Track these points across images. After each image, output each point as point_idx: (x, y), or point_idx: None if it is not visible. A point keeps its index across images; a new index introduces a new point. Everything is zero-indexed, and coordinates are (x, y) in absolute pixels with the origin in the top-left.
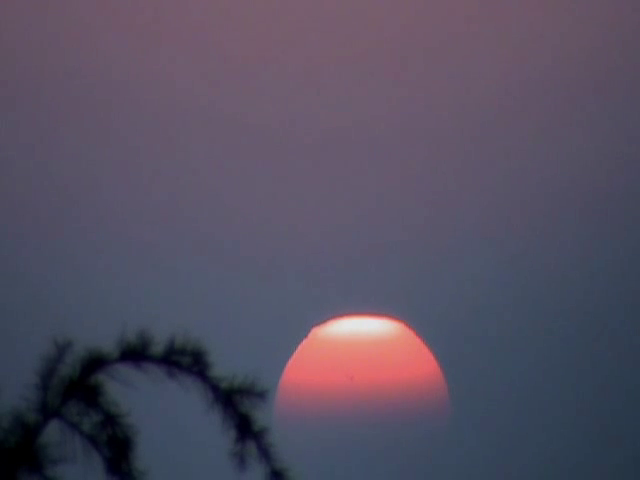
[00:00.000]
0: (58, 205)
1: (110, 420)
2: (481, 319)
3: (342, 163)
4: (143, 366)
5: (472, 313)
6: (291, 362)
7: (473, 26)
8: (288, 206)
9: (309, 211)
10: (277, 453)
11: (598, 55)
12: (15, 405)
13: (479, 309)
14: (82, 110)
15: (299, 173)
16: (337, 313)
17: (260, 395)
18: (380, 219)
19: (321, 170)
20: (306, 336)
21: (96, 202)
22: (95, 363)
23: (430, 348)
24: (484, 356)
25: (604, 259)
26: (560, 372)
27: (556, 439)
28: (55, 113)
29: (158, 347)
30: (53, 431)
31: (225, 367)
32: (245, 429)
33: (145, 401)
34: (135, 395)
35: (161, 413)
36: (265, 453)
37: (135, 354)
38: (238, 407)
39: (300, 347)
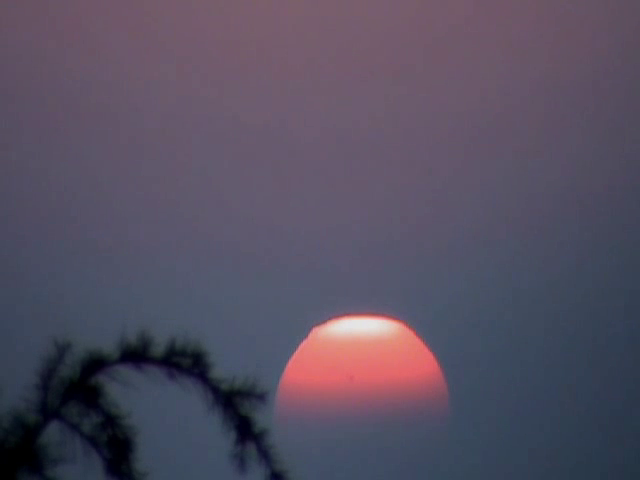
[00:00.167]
0: (58, 205)
1: (110, 421)
2: (481, 319)
3: (342, 163)
4: (143, 367)
5: (472, 313)
6: (291, 362)
7: (474, 27)
8: (288, 206)
9: (309, 211)
10: (277, 455)
11: (598, 56)
12: (15, 406)
13: (479, 309)
14: (82, 110)
15: (299, 173)
16: (337, 313)
17: (260, 397)
18: (380, 219)
19: (321, 170)
20: (306, 336)
21: (96, 202)
22: (95, 364)
23: (430, 348)
24: (484, 356)
25: (604, 259)
26: (560, 372)
27: (556, 439)
28: (55, 113)
29: (158, 348)
30: (53, 432)
31: (225, 368)
32: (245, 431)
33: (145, 402)
34: (135, 396)
35: (161, 414)
36: (265, 455)
37: (135, 355)
38: (238, 409)
39: (300, 347)
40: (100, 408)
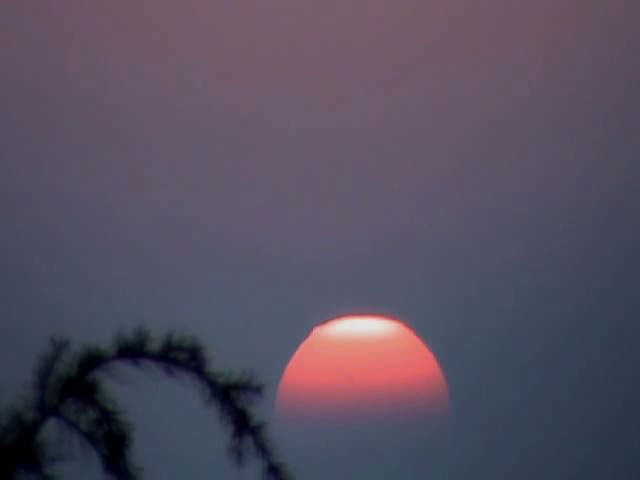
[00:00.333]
0: (56, 204)
1: (107, 417)
2: (481, 319)
3: (342, 163)
4: (140, 363)
5: (472, 313)
6: (292, 362)
7: (474, 27)
8: (289, 206)
9: (310, 211)
10: (274, 448)
11: (598, 56)
12: (13, 403)
13: (479, 309)
14: (82, 110)
15: (300, 173)
16: (338, 313)
17: (257, 390)
18: (381, 219)
19: (322, 170)
20: (307, 336)
21: (94, 200)
22: (92, 360)
23: (430, 348)
24: (484, 356)
25: (605, 260)
26: (560, 372)
27: (556, 439)
28: (55, 112)
29: (155, 344)
30: (51, 429)
31: (226, 367)
32: (242, 424)
33: (142, 398)
34: (132, 392)
35: (158, 410)
36: (262, 448)
37: (132, 351)
38: (235, 402)
39: (301, 347)
40: (97, 404)
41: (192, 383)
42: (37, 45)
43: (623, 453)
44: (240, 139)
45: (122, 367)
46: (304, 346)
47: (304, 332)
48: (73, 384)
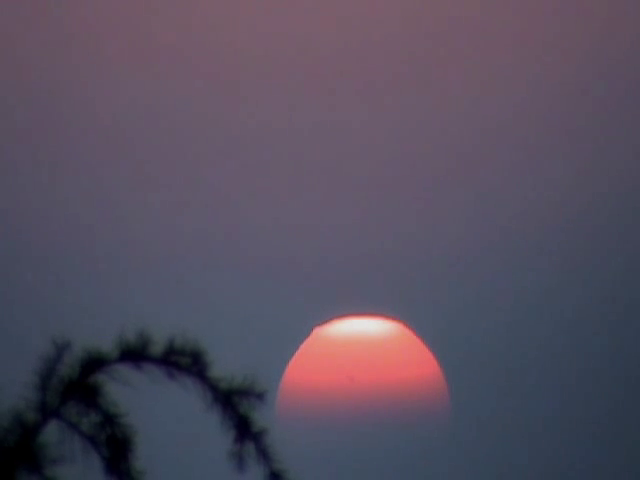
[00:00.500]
0: (57, 204)
1: (109, 420)
2: (481, 319)
3: (342, 163)
4: (142, 366)
5: (472, 313)
6: (292, 362)
7: (474, 28)
8: (289, 206)
9: (310, 211)
10: (276, 454)
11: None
12: (14, 405)
13: (479, 309)
14: (82, 110)
15: (300, 173)
16: (338, 313)
17: (259, 396)
18: (381, 219)
19: (322, 170)
20: (307, 336)
21: (95, 201)
22: (94, 363)
23: (430, 348)
24: (484, 356)
25: (605, 260)
26: (560, 372)
27: (556, 439)
28: (55, 112)
29: (157, 347)
30: (52, 431)
31: (227, 367)
32: (244, 430)
33: (144, 401)
34: (134, 395)
35: (160, 413)
36: (264, 454)
37: (134, 354)
38: (237, 408)
39: (301, 347)
40: (99, 407)
41: (194, 387)
42: (37, 45)
43: (623, 453)
44: (240, 140)
45: (124, 370)
46: (304, 346)
47: (304, 332)
48: (75, 386)
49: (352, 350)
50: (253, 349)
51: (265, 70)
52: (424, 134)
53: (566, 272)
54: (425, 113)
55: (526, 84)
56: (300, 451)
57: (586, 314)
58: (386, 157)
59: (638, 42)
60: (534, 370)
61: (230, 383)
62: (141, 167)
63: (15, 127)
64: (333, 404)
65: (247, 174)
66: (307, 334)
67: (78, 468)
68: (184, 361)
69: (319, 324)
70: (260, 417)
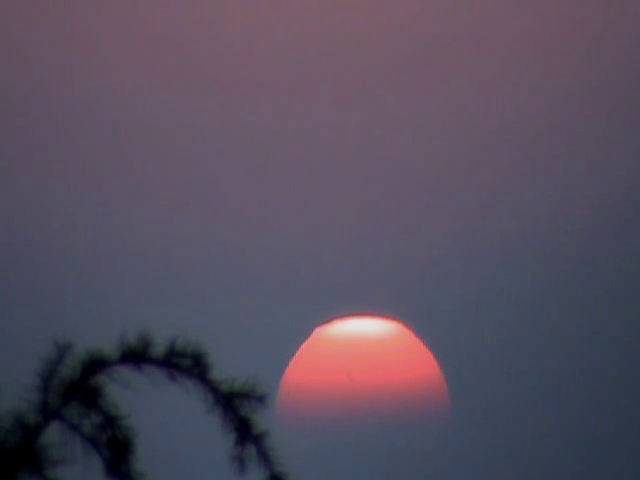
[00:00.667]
0: (58, 206)
1: (110, 422)
2: (481, 319)
3: (342, 163)
4: (143, 368)
5: (472, 313)
6: (293, 362)
7: (475, 29)
8: (289, 206)
9: (310, 211)
10: (277, 457)
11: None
12: (15, 406)
13: (479, 309)
14: (82, 110)
15: (300, 173)
16: (339, 314)
17: (260, 399)
18: (381, 219)
19: (322, 170)
20: (308, 336)
21: (96, 203)
22: (95, 365)
23: (430, 348)
24: (484, 356)
25: (605, 260)
26: (560, 372)
27: (556, 439)
28: (55, 112)
29: (158, 349)
30: (53, 432)
31: (227, 368)
32: (245, 432)
33: (145, 403)
34: (135, 397)
35: (161, 415)
36: (265, 457)
37: (135, 356)
38: (238, 410)
39: (302, 347)
40: (100, 409)
41: (195, 389)
42: (37, 45)
43: (623, 453)
44: (240, 141)
45: (125, 372)
46: (305, 346)
47: (305, 332)
48: (76, 388)
49: (352, 350)
50: (254, 350)
51: (265, 70)
52: (424, 134)
53: (566, 272)
54: (425, 113)
55: (526, 84)
56: (300, 451)
57: (586, 314)
58: (386, 157)
59: (638, 42)
60: (534, 370)
61: (231, 385)
62: (141, 167)
63: (15, 127)
64: (333, 404)
65: (247, 174)
66: (308, 334)
67: (79, 469)
68: (185, 363)
69: (320, 324)
70: (261, 419)
